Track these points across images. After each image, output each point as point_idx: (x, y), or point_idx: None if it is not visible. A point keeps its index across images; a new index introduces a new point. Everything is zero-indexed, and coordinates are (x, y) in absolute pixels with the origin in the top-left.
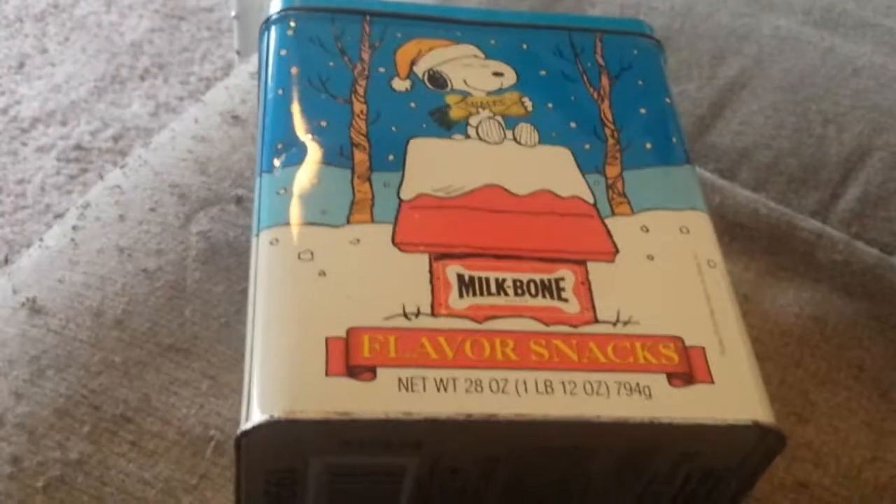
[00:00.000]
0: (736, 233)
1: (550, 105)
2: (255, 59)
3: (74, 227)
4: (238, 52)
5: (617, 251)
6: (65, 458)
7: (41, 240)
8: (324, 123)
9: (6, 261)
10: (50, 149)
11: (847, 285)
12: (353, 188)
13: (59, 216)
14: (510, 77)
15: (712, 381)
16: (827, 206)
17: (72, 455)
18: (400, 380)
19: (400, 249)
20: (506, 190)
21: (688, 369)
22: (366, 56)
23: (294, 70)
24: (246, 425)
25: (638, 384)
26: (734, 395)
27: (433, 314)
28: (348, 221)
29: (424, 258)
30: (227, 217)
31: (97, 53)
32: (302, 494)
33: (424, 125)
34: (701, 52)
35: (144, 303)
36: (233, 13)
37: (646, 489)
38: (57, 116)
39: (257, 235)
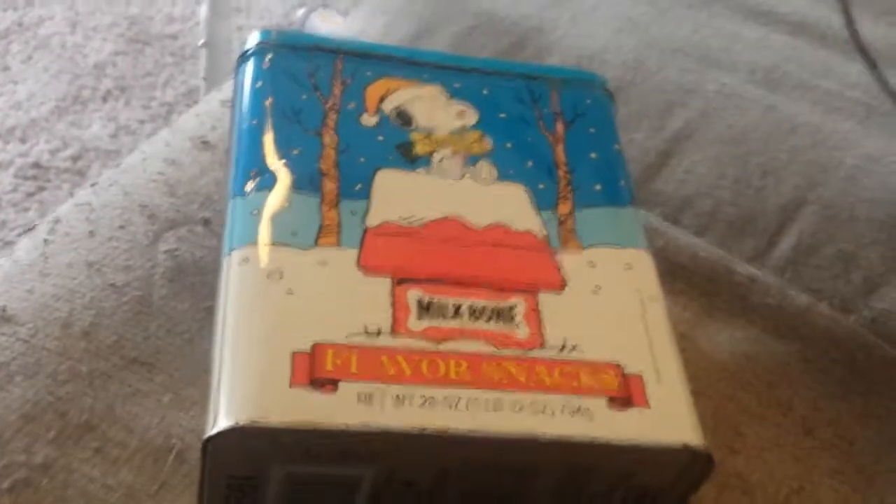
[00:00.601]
0: (677, 274)
1: (509, 145)
2: (225, 87)
3: (45, 241)
4: (204, 79)
5: (565, 283)
6: (30, 462)
7: (11, 249)
8: (296, 152)
9: None
10: (8, 165)
11: (779, 327)
12: (321, 214)
13: (17, 231)
14: (472, 117)
15: (648, 406)
16: (763, 252)
17: (37, 459)
18: (360, 394)
19: (364, 273)
20: (464, 222)
21: (626, 394)
22: (337, 91)
23: (268, 101)
24: (212, 431)
25: (580, 406)
26: (668, 420)
27: (393, 334)
28: (316, 244)
29: (387, 281)
30: (194, 238)
31: (59, 73)
32: (262, 501)
33: (390, 158)
34: (650, 105)
35: (111, 316)
36: (201, 42)
37: None
38: (16, 133)
39: (229, 254)
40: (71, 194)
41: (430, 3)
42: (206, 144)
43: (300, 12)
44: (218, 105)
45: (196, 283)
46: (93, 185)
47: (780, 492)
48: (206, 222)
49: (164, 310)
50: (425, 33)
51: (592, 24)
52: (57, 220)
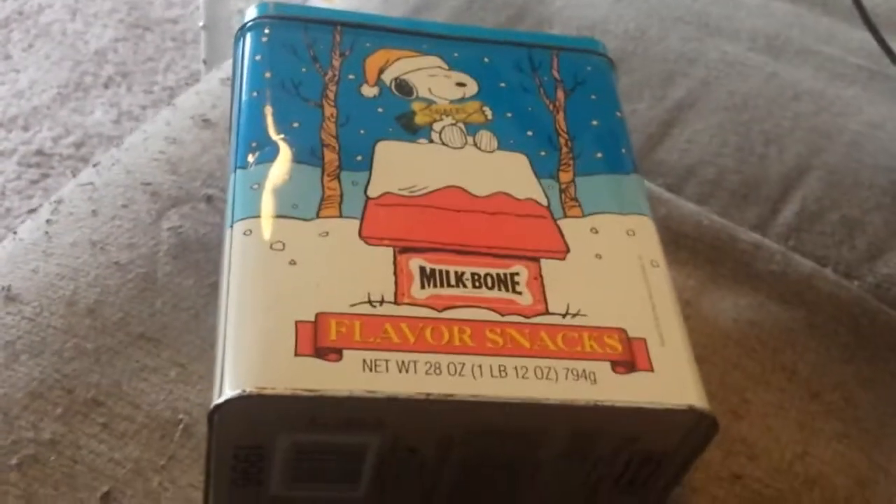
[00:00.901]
0: (680, 242)
1: (509, 115)
2: (225, 65)
3: (48, 221)
4: (205, 62)
5: (568, 250)
6: (38, 438)
7: (14, 232)
8: (296, 125)
9: None
10: (11, 153)
11: (783, 294)
12: (322, 185)
13: (22, 219)
14: (472, 88)
15: (652, 370)
16: (766, 220)
17: (45, 435)
18: (364, 361)
19: (366, 242)
20: (466, 191)
21: (630, 358)
22: (336, 63)
23: (268, 74)
24: (219, 399)
25: (584, 370)
26: (672, 383)
27: (396, 303)
28: (318, 216)
29: (389, 251)
30: (197, 215)
31: (61, 61)
32: (268, 471)
33: (391, 129)
34: (652, 74)
35: (116, 293)
36: (201, 24)
37: (589, 473)
38: (19, 122)
39: (231, 226)
40: None
41: None
42: (206, 122)
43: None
44: (218, 83)
45: (200, 260)
46: (95, 164)
47: (785, 456)
48: (208, 199)
49: (169, 286)
50: (424, 7)
51: None
52: (60, 201)
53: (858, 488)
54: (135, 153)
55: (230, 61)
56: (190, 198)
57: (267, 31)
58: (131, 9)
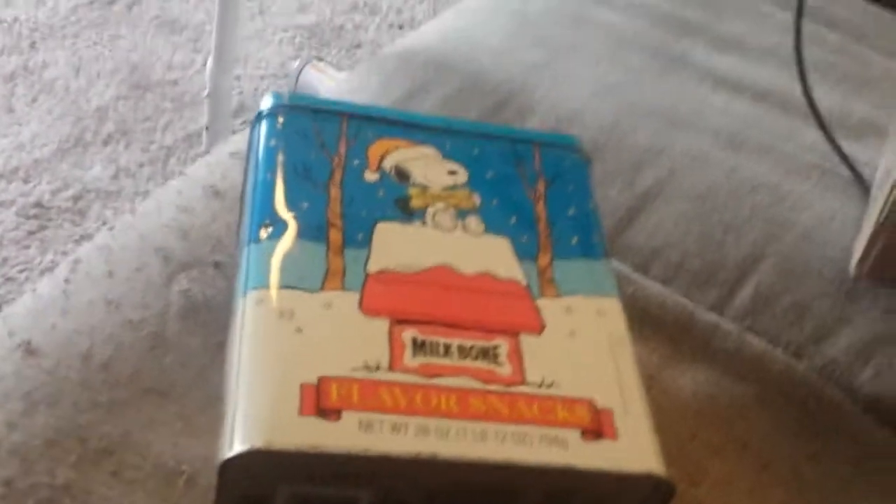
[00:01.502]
0: (645, 320)
1: (495, 202)
2: (233, 139)
3: (66, 280)
4: (207, 128)
5: (544, 327)
6: (53, 483)
7: (34, 289)
8: (305, 205)
9: None
10: (10, 204)
11: (738, 371)
12: (327, 261)
13: (18, 268)
14: (462, 176)
15: (616, 438)
16: (724, 301)
17: (59, 481)
18: (361, 421)
19: (365, 314)
20: (454, 270)
21: (598, 426)
22: (343, 150)
23: (280, 158)
24: (229, 453)
25: (556, 436)
26: (634, 450)
27: (390, 369)
28: (322, 288)
29: (385, 322)
30: (205, 279)
31: (63, 116)
32: None
33: (390, 211)
34: (622, 163)
35: (129, 350)
36: (205, 93)
37: None
38: (19, 174)
39: (244, 295)
40: (71, 234)
41: (422, 65)
42: (216, 193)
43: (295, 64)
44: (227, 156)
45: (207, 321)
46: (110, 228)
47: None
48: (216, 265)
49: (178, 344)
50: (418, 93)
51: (571, 87)
52: (77, 261)
53: None
54: (148, 219)
55: (238, 136)
56: (199, 263)
57: (281, 118)
58: (133, 69)
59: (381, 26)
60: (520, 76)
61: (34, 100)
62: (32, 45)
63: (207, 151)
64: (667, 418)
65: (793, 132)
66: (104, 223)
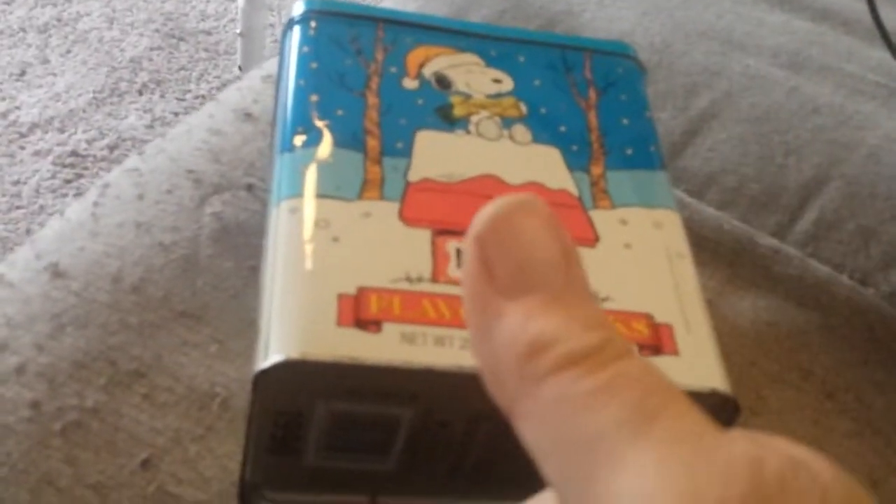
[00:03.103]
0: (701, 245)
1: (543, 110)
2: (266, 64)
3: (95, 203)
4: (240, 68)
5: (598, 239)
6: (81, 406)
7: (62, 213)
8: (340, 112)
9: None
10: (47, 154)
11: (800, 297)
12: (365, 169)
13: (53, 216)
14: (507, 84)
15: (678, 354)
16: (785, 227)
17: (88, 403)
18: (403, 334)
19: (405, 224)
20: (500, 179)
21: (657, 342)
22: (379, 57)
23: (314, 65)
24: (264, 364)
25: None
26: (697, 367)
27: (433, 281)
28: (360, 197)
29: (427, 233)
30: (238, 202)
31: (97, 66)
32: (304, 440)
33: (430, 120)
34: (676, 85)
35: (160, 272)
36: (238, 31)
37: None
38: (55, 123)
39: (277, 204)
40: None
41: None
42: (248, 116)
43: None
44: (259, 81)
45: (240, 244)
46: (140, 153)
47: None
48: (249, 187)
49: (210, 268)
50: (458, 15)
51: (619, 7)
52: (107, 185)
53: (871, 485)
54: (179, 142)
55: (271, 60)
56: (231, 185)
57: (314, 24)
58: (167, 19)
59: None
60: None
61: (68, 51)
62: None
63: None
64: (725, 345)
65: (856, 51)
66: None
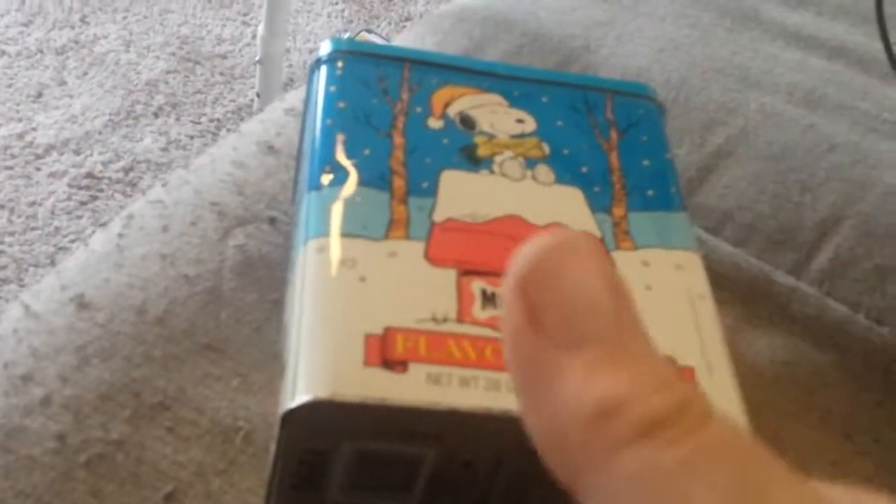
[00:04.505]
0: (718, 283)
1: (566, 151)
2: (288, 96)
3: (120, 234)
4: (258, 94)
5: None
6: (106, 438)
7: (86, 244)
8: (367, 152)
9: (19, 279)
10: (62, 175)
11: (817, 337)
12: (391, 209)
13: (70, 238)
14: (530, 124)
15: None
16: (801, 265)
17: (113, 436)
18: (428, 374)
19: (431, 264)
20: (524, 220)
21: None
22: (405, 96)
23: (341, 104)
24: (291, 404)
25: None
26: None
27: (459, 321)
28: (386, 237)
29: (452, 273)
30: (261, 235)
31: (113, 89)
32: (329, 478)
33: (455, 159)
34: (692, 121)
35: (184, 305)
36: (257, 59)
37: None
38: (71, 145)
39: (305, 243)
40: (122, 205)
41: (479, 23)
42: (271, 149)
43: (344, 36)
44: (282, 113)
45: (263, 277)
46: (164, 184)
47: None
48: (272, 221)
49: (233, 300)
50: (475, 51)
51: (636, 44)
52: (131, 216)
53: None
54: (203, 174)
55: (293, 93)
56: (254, 218)
57: (340, 64)
58: (183, 43)
59: None
60: (582, 33)
61: (85, 73)
62: (83, 19)
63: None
64: (742, 384)
65: (871, 90)
66: None
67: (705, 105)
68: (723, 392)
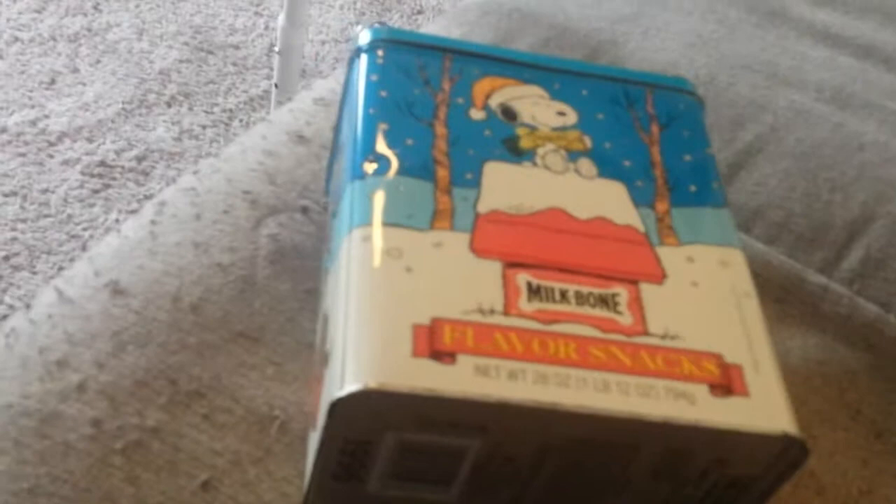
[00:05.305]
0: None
1: (607, 145)
2: (317, 86)
3: (153, 222)
4: (276, 85)
5: (665, 276)
6: (142, 425)
7: (118, 230)
8: (410, 142)
9: (31, 266)
10: (75, 163)
11: (849, 336)
12: (435, 199)
13: (83, 226)
14: (572, 117)
15: (748, 395)
16: (832, 264)
17: (149, 422)
18: (476, 366)
19: (476, 255)
20: (568, 213)
21: (727, 382)
22: (446, 87)
23: (383, 93)
24: (340, 393)
25: (684, 391)
26: (767, 408)
27: (505, 313)
28: (431, 227)
29: (497, 265)
30: (293, 224)
31: (126, 77)
32: (369, 468)
33: (498, 151)
34: (721, 118)
35: (218, 293)
36: (276, 49)
37: (674, 494)
38: (84, 133)
39: (349, 232)
40: (135, 194)
41: (505, 15)
42: (301, 138)
43: (357, 28)
44: (311, 103)
45: (296, 267)
46: (195, 172)
47: (851, 492)
48: (304, 210)
49: (267, 289)
50: (502, 44)
51: (664, 38)
52: (163, 203)
53: None
54: (234, 163)
55: (321, 82)
56: (287, 207)
57: (381, 53)
58: (196, 32)
59: None
60: (609, 27)
61: (98, 61)
62: (96, 7)
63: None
64: None
65: None
66: (168, 183)
67: (734, 101)
68: (770, 390)
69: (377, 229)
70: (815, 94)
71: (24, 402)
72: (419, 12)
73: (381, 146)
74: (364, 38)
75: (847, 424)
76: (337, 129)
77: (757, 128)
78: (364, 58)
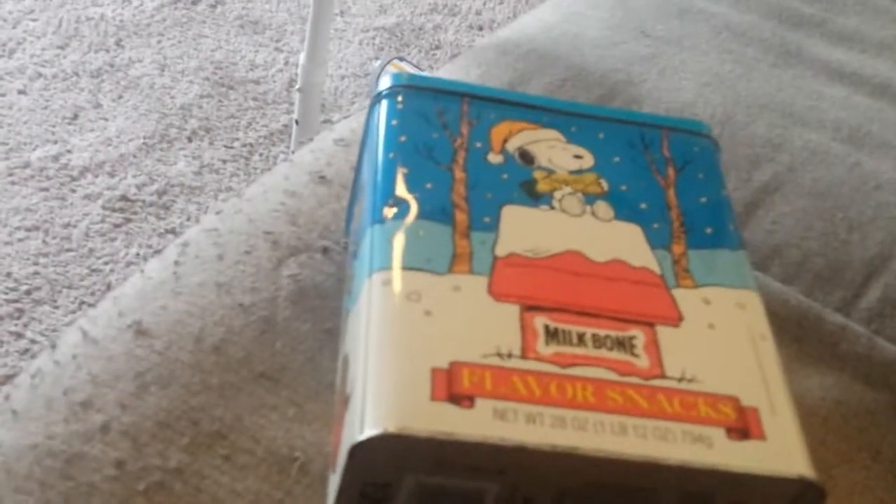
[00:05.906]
0: (768, 319)
1: (624, 187)
2: (338, 127)
3: (176, 262)
4: (297, 121)
5: (682, 318)
6: (165, 466)
7: (142, 270)
8: (429, 186)
9: (53, 300)
10: (97, 197)
11: (868, 376)
12: (454, 243)
13: (104, 260)
14: (588, 160)
15: (764, 438)
16: (850, 303)
17: (171, 464)
18: (495, 410)
19: (494, 299)
20: (585, 256)
21: (744, 425)
22: (465, 131)
23: (402, 138)
24: (360, 437)
25: (701, 434)
26: (784, 452)
27: (523, 357)
28: (450, 271)
29: (515, 308)
30: (314, 264)
31: (148, 112)
32: None
33: (515, 195)
34: (738, 157)
35: (240, 333)
36: (297, 87)
37: None
38: (105, 168)
39: (369, 276)
40: (155, 228)
41: (523, 56)
42: (322, 179)
43: (375, 63)
44: (331, 143)
45: (317, 307)
46: (218, 212)
47: None
48: (325, 250)
49: (288, 330)
50: (519, 84)
51: (680, 78)
52: (186, 244)
53: None
54: (256, 204)
55: (342, 123)
56: (308, 248)
57: (401, 98)
58: (216, 68)
59: (460, 28)
60: (625, 67)
61: (120, 96)
62: (119, 43)
63: (299, 144)
64: None
65: None
66: (188, 218)
67: (751, 141)
68: (786, 433)
69: (397, 273)
70: (832, 134)
71: (49, 442)
72: (437, 47)
73: (401, 190)
74: (384, 83)
75: (866, 464)
76: (357, 171)
77: (773, 167)
78: (384, 103)
